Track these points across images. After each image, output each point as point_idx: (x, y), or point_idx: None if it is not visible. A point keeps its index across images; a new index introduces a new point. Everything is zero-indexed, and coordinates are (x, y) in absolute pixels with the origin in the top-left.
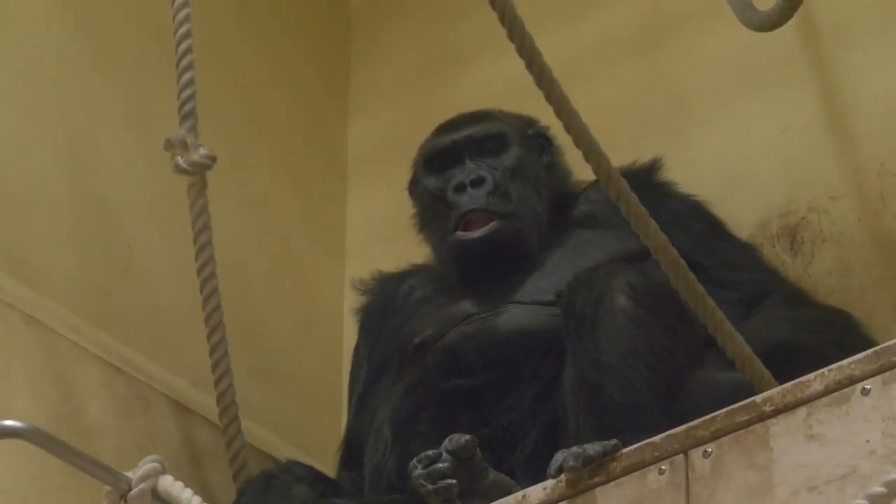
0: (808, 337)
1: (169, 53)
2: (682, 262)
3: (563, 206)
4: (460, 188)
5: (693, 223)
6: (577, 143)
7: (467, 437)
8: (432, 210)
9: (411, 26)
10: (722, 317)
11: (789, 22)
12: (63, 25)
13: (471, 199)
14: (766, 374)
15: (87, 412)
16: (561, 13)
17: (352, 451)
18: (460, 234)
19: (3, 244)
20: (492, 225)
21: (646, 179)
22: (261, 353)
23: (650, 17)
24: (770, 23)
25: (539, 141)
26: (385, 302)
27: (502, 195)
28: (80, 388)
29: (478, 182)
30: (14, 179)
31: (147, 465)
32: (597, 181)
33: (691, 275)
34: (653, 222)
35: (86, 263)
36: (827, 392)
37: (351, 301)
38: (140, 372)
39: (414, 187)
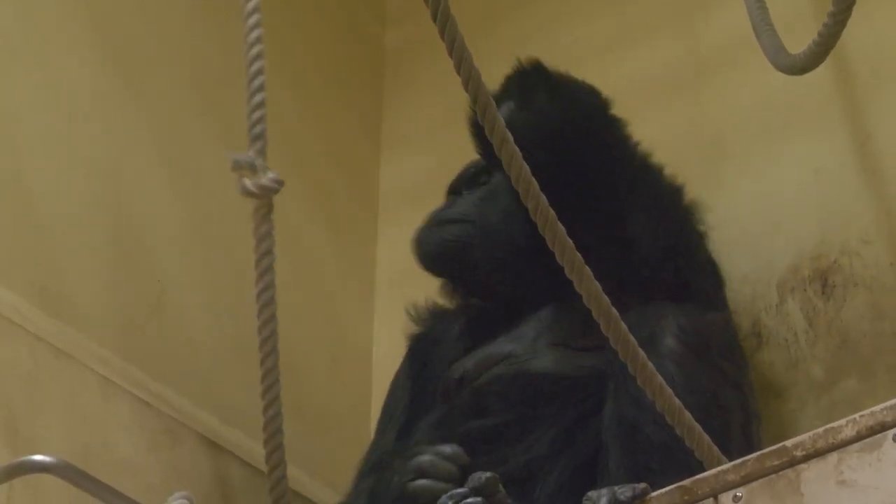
0: None
1: (206, 88)
2: (613, 312)
3: None
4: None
5: None
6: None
7: (488, 474)
8: None
9: (444, 66)
10: (662, 384)
11: (824, 64)
12: (99, 61)
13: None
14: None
15: (117, 447)
16: (595, 55)
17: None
18: None
19: (34, 277)
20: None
21: None
22: (290, 388)
23: (685, 59)
24: (801, 66)
25: None
26: (438, 337)
27: None
28: (109, 422)
29: None
30: (47, 213)
31: (176, 501)
32: None
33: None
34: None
35: (117, 297)
36: (859, 438)
37: (380, 339)
38: (170, 407)
39: None
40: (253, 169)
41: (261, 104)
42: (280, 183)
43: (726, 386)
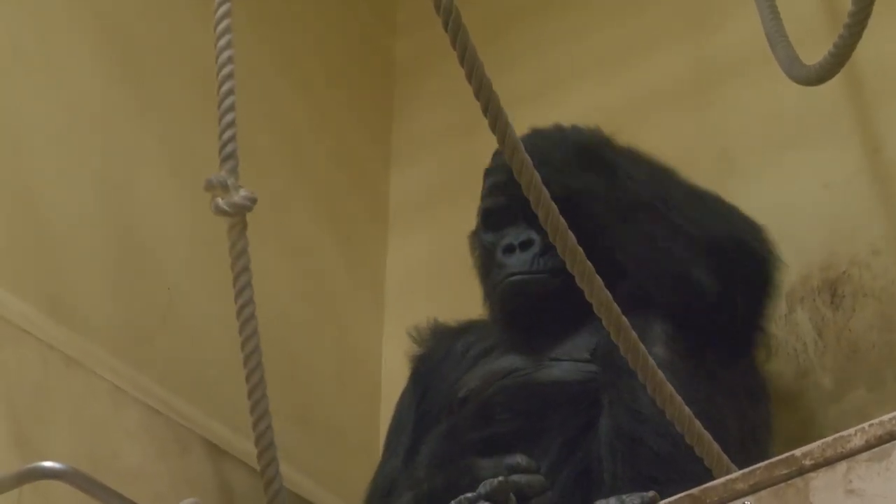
0: None
1: (211, 98)
2: (623, 320)
3: None
4: (509, 250)
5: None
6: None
7: (500, 478)
8: (484, 264)
9: (454, 75)
10: (672, 392)
11: (834, 77)
12: (106, 71)
13: (517, 262)
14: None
15: (126, 454)
16: (607, 64)
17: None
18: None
19: (44, 286)
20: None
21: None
22: (299, 399)
23: (696, 69)
24: (817, 77)
25: None
26: (441, 356)
27: (550, 256)
28: (118, 430)
29: (526, 245)
30: (56, 222)
31: None
32: None
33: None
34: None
35: (126, 306)
36: (868, 447)
37: (390, 348)
38: (179, 415)
39: (473, 237)
40: (225, 188)
41: (231, 123)
42: (253, 200)
43: (719, 392)
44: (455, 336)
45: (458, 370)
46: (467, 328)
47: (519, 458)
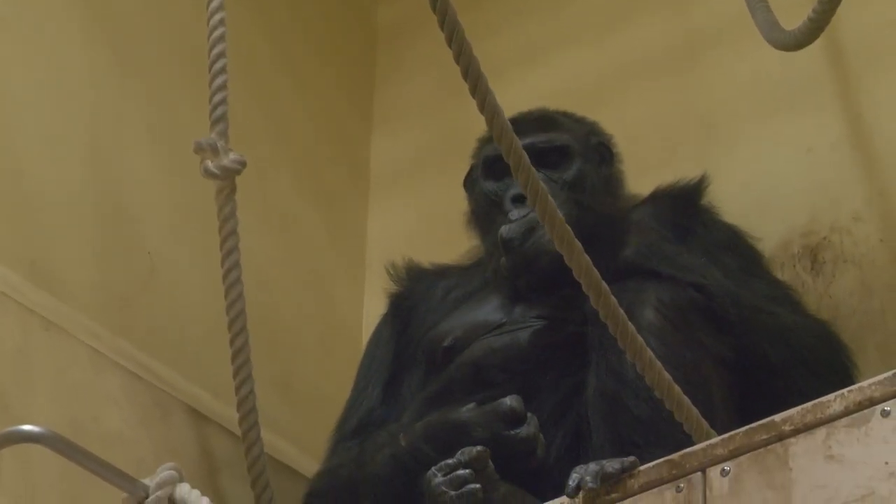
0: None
1: (195, 64)
2: (603, 286)
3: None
4: (518, 199)
5: (726, 257)
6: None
7: (479, 448)
8: (487, 213)
9: (436, 43)
10: (652, 358)
11: (817, 43)
12: (90, 36)
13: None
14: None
15: (106, 419)
16: (589, 32)
17: (369, 427)
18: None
19: (25, 250)
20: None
21: (688, 201)
22: (280, 365)
23: (678, 38)
24: (795, 42)
25: (600, 151)
26: (420, 297)
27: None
28: (99, 394)
29: None
30: (37, 186)
31: (164, 472)
32: (649, 197)
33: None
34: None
35: (107, 270)
36: (847, 413)
37: (371, 315)
38: (159, 380)
39: (470, 185)
40: (215, 150)
41: (222, 86)
42: (242, 164)
43: (707, 359)
44: (433, 279)
45: (437, 313)
46: (445, 272)
47: (510, 401)
